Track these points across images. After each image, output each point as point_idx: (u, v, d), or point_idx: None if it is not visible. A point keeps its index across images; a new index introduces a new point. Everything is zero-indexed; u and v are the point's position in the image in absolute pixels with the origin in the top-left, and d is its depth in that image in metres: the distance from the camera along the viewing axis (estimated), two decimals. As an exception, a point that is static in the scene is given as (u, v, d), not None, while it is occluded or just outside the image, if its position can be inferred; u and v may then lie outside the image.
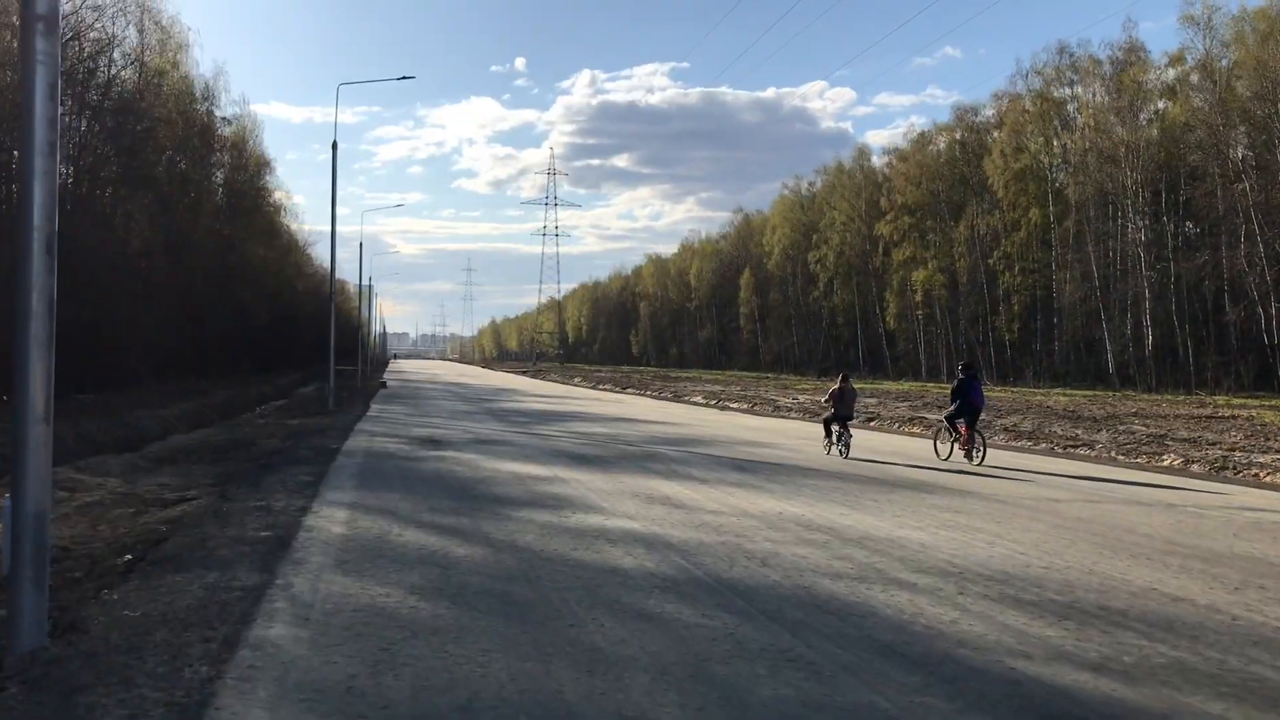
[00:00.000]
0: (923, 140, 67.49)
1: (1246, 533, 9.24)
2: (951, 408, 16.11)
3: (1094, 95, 53.62)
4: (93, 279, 26.77)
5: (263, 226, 54.37)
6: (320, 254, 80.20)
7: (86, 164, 30.99)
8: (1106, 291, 49.33)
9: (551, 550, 7.69)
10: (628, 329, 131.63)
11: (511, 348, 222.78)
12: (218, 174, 47.55)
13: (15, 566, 4.97)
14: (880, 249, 69.53)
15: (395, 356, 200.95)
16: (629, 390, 48.99)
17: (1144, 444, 18.76)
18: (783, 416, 28.74)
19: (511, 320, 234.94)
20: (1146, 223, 48.61)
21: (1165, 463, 16.30)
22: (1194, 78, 47.13)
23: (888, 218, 67.12)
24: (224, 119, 45.97)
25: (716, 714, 4.18)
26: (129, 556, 7.44)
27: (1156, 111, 49.73)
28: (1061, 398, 38.96)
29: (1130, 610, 6.03)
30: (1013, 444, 19.60)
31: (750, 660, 4.92)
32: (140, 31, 35.12)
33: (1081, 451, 18.18)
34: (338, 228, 31.97)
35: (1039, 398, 38.96)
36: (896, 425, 24.51)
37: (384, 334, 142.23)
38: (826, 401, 17.44)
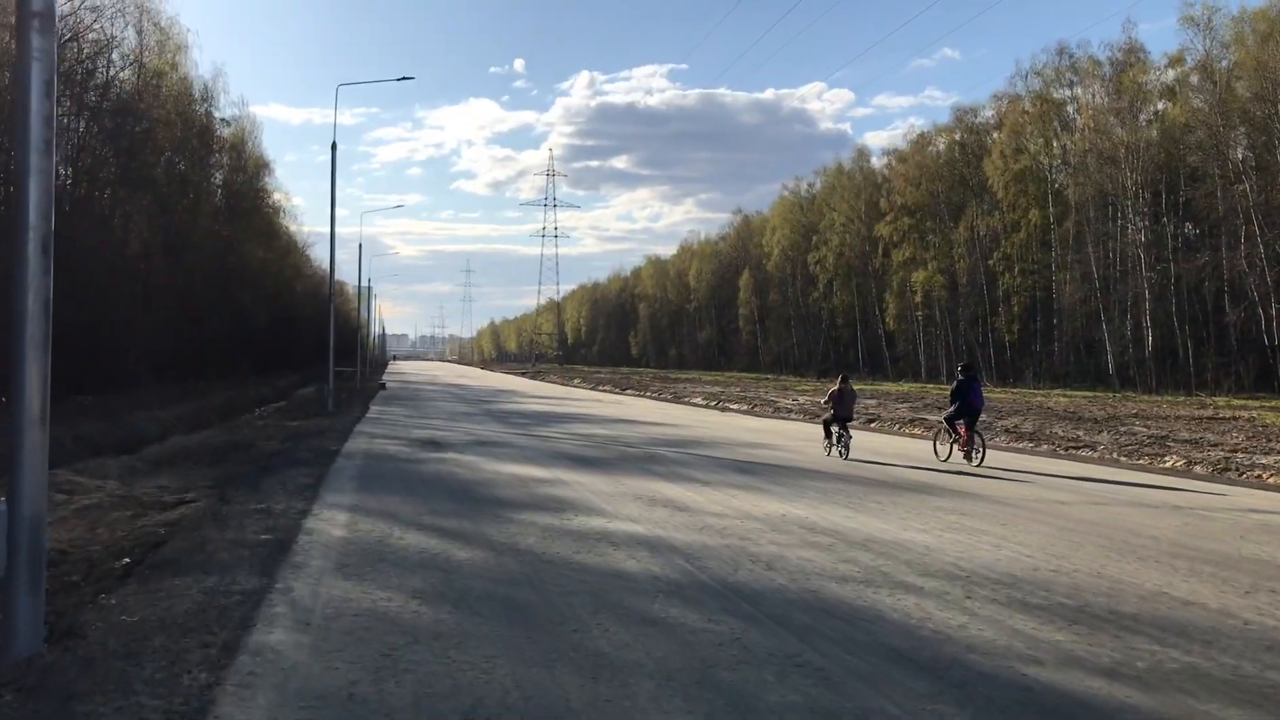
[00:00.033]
0: (922, 141, 67.45)
1: (1254, 535, 9.16)
2: (951, 409, 16.08)
3: (1093, 96, 53.59)
4: (91, 280, 26.68)
5: (262, 228, 54.28)
6: (319, 255, 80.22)
7: (85, 165, 30.91)
8: (1106, 292, 49.28)
9: (554, 553, 7.62)
10: (627, 330, 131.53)
11: (510, 349, 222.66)
12: (216, 175, 47.46)
13: (11, 571, 4.90)
14: (880, 250, 69.46)
15: (394, 358, 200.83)
16: (628, 391, 48.91)
17: (1145, 445, 18.69)
18: (783, 418, 28.66)
19: (510, 322, 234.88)
20: (1146, 224, 48.56)
21: (1168, 464, 16.23)
22: (1194, 79, 47.08)
23: (887, 219, 67.04)
24: (223, 120, 45.92)
25: (725, 722, 4.11)
26: (127, 560, 7.37)
27: (1156, 112, 49.69)
28: (1062, 399, 38.90)
29: (1141, 615, 5.95)
30: (1014, 445, 19.53)
31: (757, 666, 4.84)
32: (139, 33, 35.09)
33: (1083, 453, 18.11)
34: (337, 229, 31.87)
35: (1039, 399, 38.89)
36: (897, 427, 24.44)
37: (383, 335, 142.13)
38: (826, 403, 17.40)
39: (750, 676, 4.69)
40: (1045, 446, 19.12)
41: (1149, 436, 20.56)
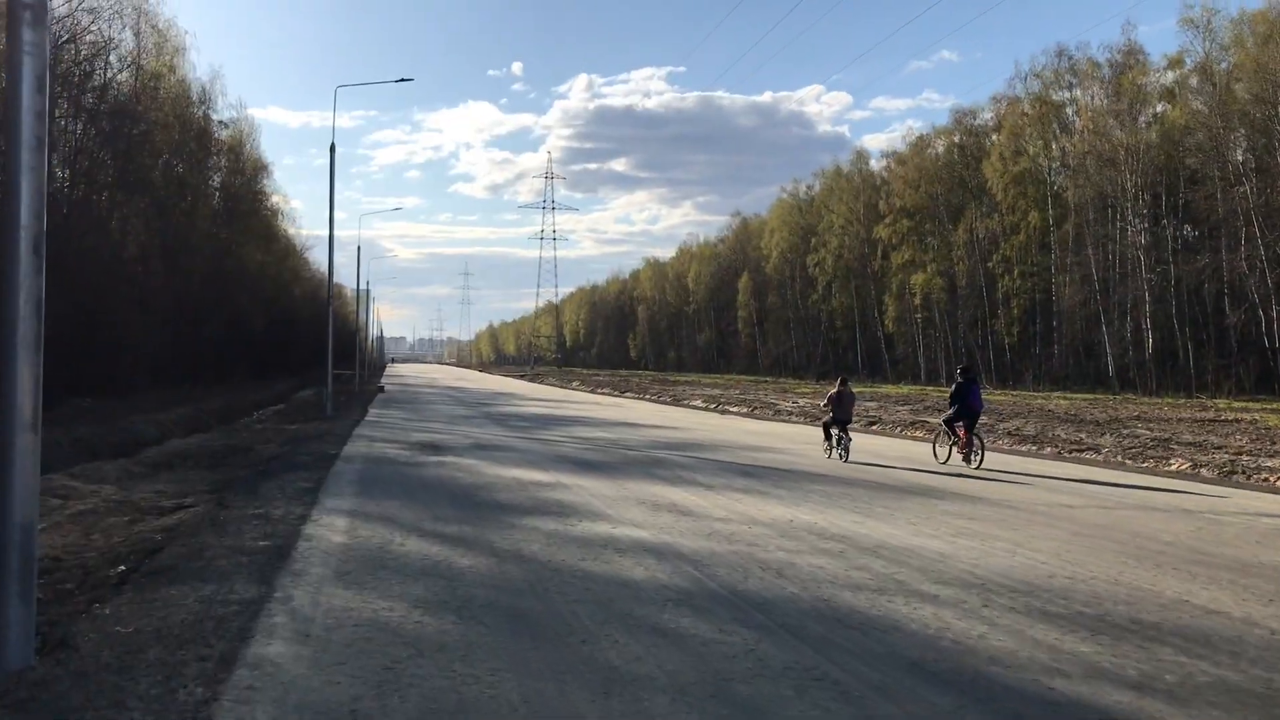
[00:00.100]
0: (921, 143, 67.42)
1: (1270, 540, 9.02)
2: (950, 411, 16.03)
3: (1093, 98, 53.56)
4: (88, 282, 26.52)
5: (260, 230, 54.09)
6: (317, 258, 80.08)
7: (82, 168, 30.73)
8: (1106, 295, 49.21)
9: (559, 561, 7.46)
10: (625, 333, 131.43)
11: (509, 352, 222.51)
12: (214, 178, 47.25)
13: (1, 581, 4.74)
14: (879, 252, 69.39)
15: (393, 361, 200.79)
16: (628, 394, 48.77)
17: (1149, 448, 18.58)
18: (784, 420, 28.52)
19: (509, 324, 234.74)
20: (1146, 226, 48.51)
21: (1173, 467, 16.11)
22: (1193, 80, 47.07)
23: (886, 221, 66.97)
24: (221, 123, 45.71)
25: (743, 739, 3.95)
26: (123, 567, 7.20)
27: (1156, 114, 49.67)
28: (1062, 401, 38.80)
29: (1164, 624, 5.80)
30: (1017, 448, 19.41)
31: (774, 680, 4.68)
32: (136, 35, 34.88)
33: (1087, 456, 17.99)
34: (335, 232, 31.73)
35: (1039, 401, 38.78)
36: (899, 429, 24.31)
37: (381, 338, 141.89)
38: (825, 406, 17.30)
39: (767, 691, 4.53)
40: (1049, 449, 18.99)
41: (1152, 439, 20.44)
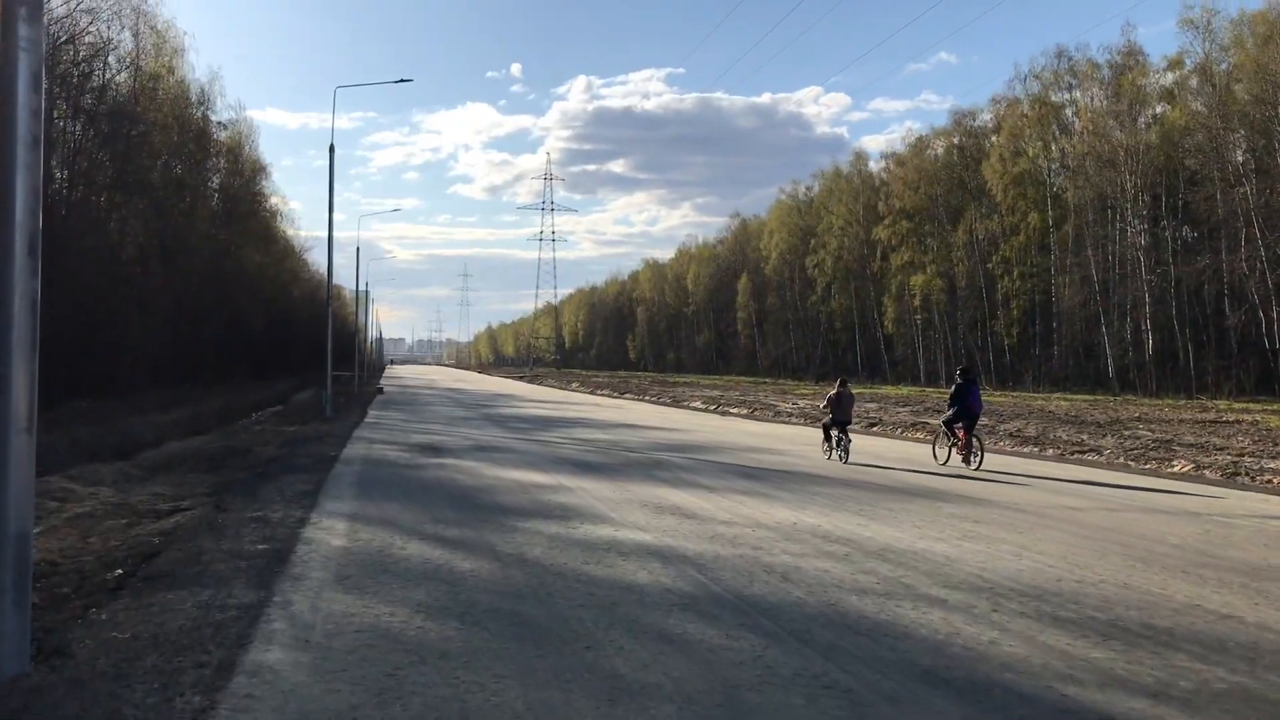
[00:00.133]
0: (920, 145, 67.33)
1: (1279, 543, 8.94)
2: (950, 412, 16.01)
3: (1092, 99, 53.50)
4: (87, 284, 26.43)
5: (259, 232, 54.00)
6: (316, 259, 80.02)
7: (81, 169, 30.64)
8: (1106, 296, 49.14)
9: (562, 564, 7.37)
10: (624, 334, 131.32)
11: (508, 353, 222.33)
12: (213, 179, 47.17)
13: (-5, 588, 4.65)
14: (878, 254, 69.29)
15: (391, 362, 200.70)
16: (627, 395, 48.69)
17: (1151, 449, 18.51)
18: (784, 422, 28.44)
19: (508, 325, 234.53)
20: (1146, 227, 48.44)
21: (1176, 468, 16.04)
22: (1193, 81, 47.00)
23: (885, 222, 66.88)
24: (219, 124, 45.65)
25: (753, 749, 3.87)
26: (119, 572, 7.12)
27: (1155, 115, 49.60)
28: (1062, 402, 38.74)
29: (1177, 629, 5.71)
30: (1019, 450, 19.34)
31: (783, 688, 4.60)
32: (135, 36, 34.82)
33: (1089, 457, 17.92)
34: (334, 233, 31.65)
35: (1039, 402, 38.72)
36: (899, 431, 24.23)
37: (380, 339, 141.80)
38: (824, 407, 17.24)
39: (777, 700, 4.44)
40: (1051, 451, 18.91)
41: (1154, 441, 20.37)
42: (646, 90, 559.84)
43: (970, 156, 62.40)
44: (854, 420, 18.13)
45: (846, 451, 16.01)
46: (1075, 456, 18.09)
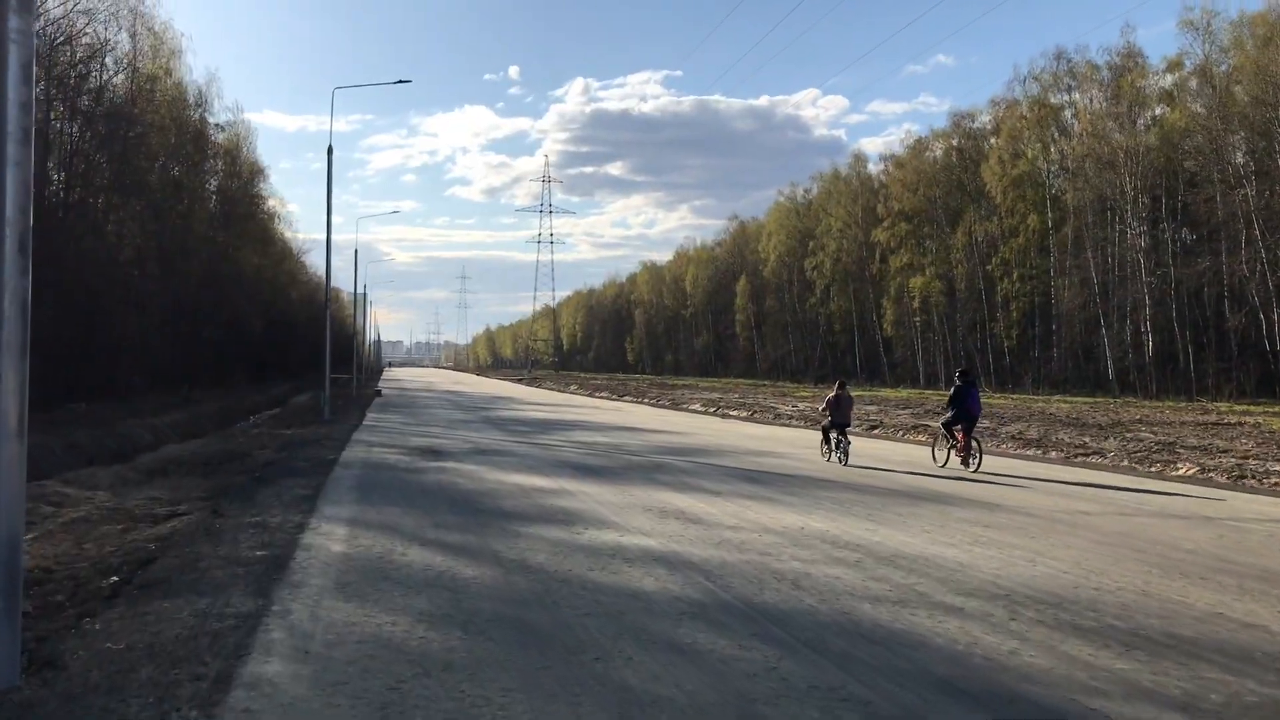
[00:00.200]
0: (919, 147, 67.23)
1: (1293, 548, 8.80)
2: (949, 414, 15.91)
3: (1092, 101, 53.42)
4: (85, 286, 26.27)
5: (256, 234, 53.84)
6: (314, 262, 79.58)
7: (78, 170, 30.48)
8: (1106, 298, 49.04)
9: (566, 571, 7.22)
10: (623, 336, 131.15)
11: (506, 355, 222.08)
12: (211, 181, 47.02)
13: (-16, 598, 4.50)
14: (877, 256, 69.17)
15: (390, 364, 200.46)
16: (626, 398, 48.52)
17: (1154, 452, 18.38)
18: (784, 424, 28.29)
19: (506, 328, 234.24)
20: (1145, 229, 48.35)
21: (1180, 471, 15.91)
22: (1193, 83, 46.92)
23: (884, 224, 66.77)
24: (217, 125, 45.51)
25: (772, 766, 3.72)
26: (115, 578, 6.96)
27: (1155, 117, 49.52)
28: (1062, 404, 38.63)
29: (1201, 638, 5.57)
30: (1022, 452, 19.20)
31: (799, 700, 4.45)
32: (133, 37, 34.68)
33: (1093, 460, 17.79)
34: (332, 236, 31.49)
35: (1039, 404, 38.61)
36: (900, 433, 24.09)
37: (378, 342, 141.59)
38: (824, 409, 17.14)
39: (793, 713, 4.29)
40: (1054, 453, 18.78)
41: (1157, 443, 20.24)
42: (644, 93, 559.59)
43: (969, 158, 62.30)
44: (854, 423, 18.00)
45: (846, 454, 15.93)
46: (1079, 459, 17.96)
